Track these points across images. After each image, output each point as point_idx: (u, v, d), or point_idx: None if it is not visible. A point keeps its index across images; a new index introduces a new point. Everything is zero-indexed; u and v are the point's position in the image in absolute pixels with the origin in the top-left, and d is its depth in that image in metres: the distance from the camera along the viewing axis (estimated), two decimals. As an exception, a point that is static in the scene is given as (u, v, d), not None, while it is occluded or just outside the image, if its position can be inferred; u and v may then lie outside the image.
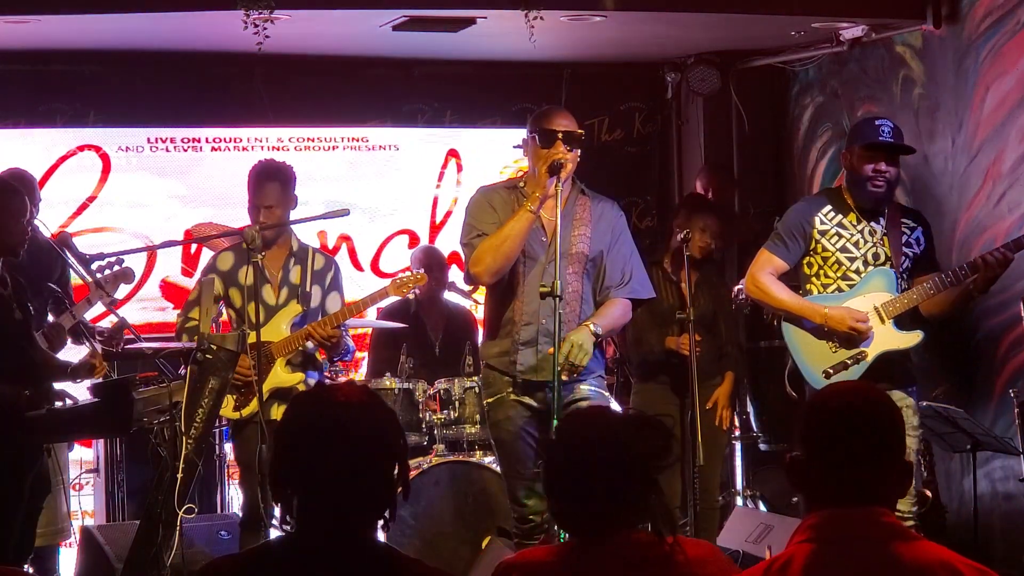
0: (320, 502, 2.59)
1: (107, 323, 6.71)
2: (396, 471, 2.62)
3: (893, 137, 5.52)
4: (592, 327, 5.18)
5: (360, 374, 7.93)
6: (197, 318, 5.80)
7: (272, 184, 5.88)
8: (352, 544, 2.59)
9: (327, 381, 6.40)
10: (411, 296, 7.09)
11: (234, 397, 5.77)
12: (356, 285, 8.41)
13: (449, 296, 7.82)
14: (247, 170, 6.11)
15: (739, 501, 7.64)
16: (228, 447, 7.40)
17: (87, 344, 6.12)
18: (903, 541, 2.53)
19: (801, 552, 2.52)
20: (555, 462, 2.87)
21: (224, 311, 6.04)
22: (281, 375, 5.87)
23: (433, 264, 7.68)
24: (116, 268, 6.19)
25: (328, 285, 6.01)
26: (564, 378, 5.08)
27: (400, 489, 2.64)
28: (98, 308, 6.34)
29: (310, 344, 5.90)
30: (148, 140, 8.40)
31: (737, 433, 7.69)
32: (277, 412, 5.83)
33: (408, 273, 6.25)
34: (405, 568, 2.64)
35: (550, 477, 2.88)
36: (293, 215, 6.05)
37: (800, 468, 2.63)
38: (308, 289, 5.93)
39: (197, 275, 6.22)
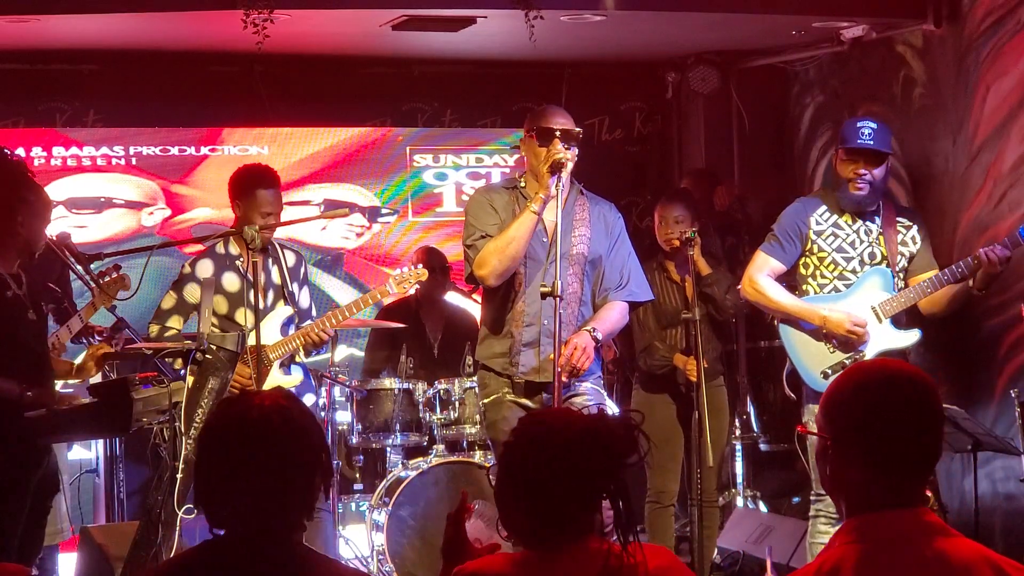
0: (238, 505, 2.63)
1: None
2: (316, 476, 2.67)
3: (874, 139, 5.48)
4: (592, 332, 5.17)
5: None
6: (176, 327, 5.77)
7: (269, 191, 5.85)
8: (271, 544, 2.63)
9: (325, 380, 6.42)
10: (411, 293, 7.07)
11: None
12: (357, 284, 8.44)
13: (450, 297, 7.81)
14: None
15: (739, 501, 7.63)
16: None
17: (86, 343, 6.14)
18: (946, 537, 2.55)
19: (850, 553, 2.51)
20: (510, 465, 2.77)
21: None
22: (279, 379, 5.85)
23: (435, 265, 7.67)
24: (115, 275, 6.20)
25: (302, 280, 6.01)
26: (564, 379, 5.08)
27: (322, 490, 2.69)
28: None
29: (294, 347, 5.87)
30: (148, 140, 8.41)
31: (738, 433, 7.68)
32: None
33: (407, 269, 6.21)
34: (319, 567, 2.68)
35: (502, 480, 2.77)
36: (294, 215, 6.04)
37: (836, 465, 2.57)
38: (291, 287, 5.92)
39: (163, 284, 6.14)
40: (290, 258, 5.99)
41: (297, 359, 5.99)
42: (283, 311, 5.88)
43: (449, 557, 2.94)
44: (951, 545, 2.52)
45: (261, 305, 5.85)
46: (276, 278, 5.90)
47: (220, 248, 5.86)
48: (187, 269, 5.95)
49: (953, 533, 2.56)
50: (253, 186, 5.86)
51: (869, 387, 2.57)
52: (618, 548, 2.68)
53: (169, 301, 5.86)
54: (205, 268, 5.86)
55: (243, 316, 5.79)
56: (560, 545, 2.71)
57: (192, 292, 5.84)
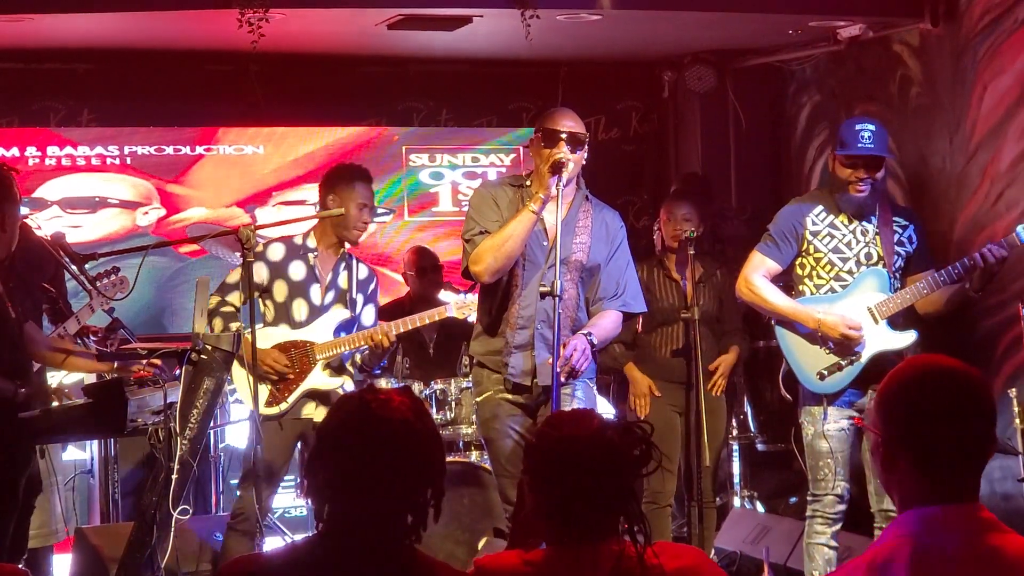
0: (352, 509, 2.61)
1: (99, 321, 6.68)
2: (431, 492, 2.65)
3: (874, 143, 5.45)
4: (588, 336, 5.17)
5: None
6: (235, 303, 5.78)
7: (369, 185, 5.95)
8: (382, 546, 2.62)
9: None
10: (403, 295, 7.05)
11: (268, 391, 5.76)
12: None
13: (444, 296, 7.79)
14: (243, 169, 6.10)
15: (736, 502, 7.62)
16: (223, 448, 7.38)
17: (82, 344, 6.13)
18: (999, 533, 2.54)
19: (903, 546, 2.50)
20: (528, 466, 2.80)
21: (261, 303, 5.98)
22: (321, 377, 5.85)
23: (426, 265, 7.66)
24: (113, 277, 6.18)
25: (368, 296, 6.01)
26: (562, 380, 5.07)
27: (432, 508, 2.66)
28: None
29: (346, 350, 5.88)
30: (142, 139, 8.39)
31: (735, 433, 7.67)
32: (312, 411, 5.82)
33: (468, 296, 6.22)
34: (435, 571, 2.67)
35: (524, 480, 2.82)
36: (290, 214, 6.03)
37: (889, 459, 2.57)
38: (354, 296, 5.93)
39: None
40: (363, 271, 6.03)
41: (350, 368, 5.99)
42: (340, 313, 5.89)
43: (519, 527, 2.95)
44: (1004, 541, 2.52)
45: (319, 302, 5.86)
46: (342, 282, 5.91)
47: (299, 239, 5.89)
48: (259, 248, 5.95)
49: (1006, 529, 2.56)
50: (354, 178, 5.92)
51: (915, 384, 2.56)
52: (633, 550, 2.68)
53: (234, 276, 5.87)
54: (276, 251, 5.88)
55: (298, 307, 5.82)
56: (578, 545, 2.72)
57: (257, 271, 5.84)
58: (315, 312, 5.86)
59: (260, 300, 5.92)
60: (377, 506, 2.60)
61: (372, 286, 6.05)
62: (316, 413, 5.84)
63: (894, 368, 2.65)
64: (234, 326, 5.65)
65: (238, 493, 5.88)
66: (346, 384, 5.94)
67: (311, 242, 5.91)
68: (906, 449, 2.54)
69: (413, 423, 2.63)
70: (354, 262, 6.01)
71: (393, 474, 2.60)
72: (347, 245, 5.95)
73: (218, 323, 5.75)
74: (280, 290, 5.82)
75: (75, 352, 5.41)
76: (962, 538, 2.51)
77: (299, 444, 5.88)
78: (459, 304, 6.14)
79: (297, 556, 2.67)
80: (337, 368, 5.91)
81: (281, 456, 5.75)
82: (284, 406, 5.78)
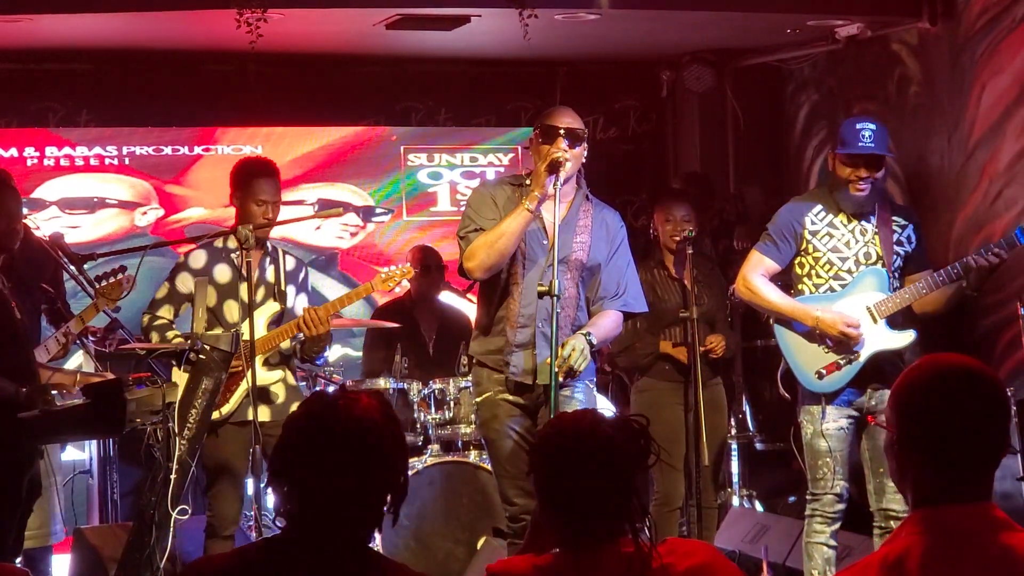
0: (314, 505, 2.59)
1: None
2: (391, 496, 2.63)
3: (875, 142, 5.44)
4: (587, 336, 5.16)
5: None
6: (167, 316, 5.76)
7: (270, 180, 5.87)
8: (340, 547, 2.60)
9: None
10: (400, 292, 7.03)
11: None
12: (351, 284, 8.41)
13: (444, 297, 7.79)
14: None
15: (735, 501, 7.62)
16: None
17: (81, 343, 6.13)
18: (1012, 532, 2.54)
19: (916, 545, 2.51)
20: (533, 469, 2.80)
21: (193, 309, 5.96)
22: (260, 373, 5.81)
23: (430, 263, 7.65)
24: (120, 275, 6.18)
25: (300, 285, 5.98)
26: (560, 379, 5.06)
27: (390, 511, 2.64)
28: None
29: (286, 344, 5.84)
30: (141, 139, 8.39)
31: (733, 432, 7.67)
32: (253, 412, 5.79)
33: (393, 267, 6.19)
34: (389, 571, 2.64)
35: (538, 483, 2.81)
36: (288, 214, 6.02)
37: (904, 458, 2.57)
38: (284, 288, 5.90)
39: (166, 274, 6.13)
40: (290, 262, 5.99)
41: (293, 363, 5.96)
42: (271, 307, 5.86)
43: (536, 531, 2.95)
44: (1017, 540, 2.52)
45: (247, 300, 5.85)
46: (270, 276, 5.88)
47: (219, 243, 5.87)
48: (181, 259, 5.97)
49: (1018, 529, 2.56)
50: (250, 175, 5.89)
51: (930, 383, 2.57)
52: (644, 550, 2.67)
53: (162, 291, 5.86)
54: (198, 259, 5.85)
55: (230, 309, 5.78)
56: (588, 547, 2.71)
57: (184, 281, 5.82)
58: (247, 310, 5.84)
59: (192, 309, 5.90)
60: (337, 506, 2.58)
61: (302, 276, 6.02)
62: (260, 413, 5.80)
63: (909, 366, 2.65)
64: (170, 334, 5.64)
65: (208, 502, 5.84)
66: (288, 378, 5.91)
67: (231, 243, 5.87)
68: (920, 448, 2.55)
69: (380, 425, 2.60)
70: (280, 255, 5.97)
71: (355, 475, 2.57)
72: (268, 244, 5.94)
73: (155, 336, 5.73)
74: (210, 295, 5.79)
75: (56, 370, 5.44)
76: (975, 537, 2.51)
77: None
78: (384, 277, 6.09)
79: (256, 556, 2.65)
80: (276, 363, 5.88)
81: (239, 460, 5.70)
82: (226, 408, 5.74)
